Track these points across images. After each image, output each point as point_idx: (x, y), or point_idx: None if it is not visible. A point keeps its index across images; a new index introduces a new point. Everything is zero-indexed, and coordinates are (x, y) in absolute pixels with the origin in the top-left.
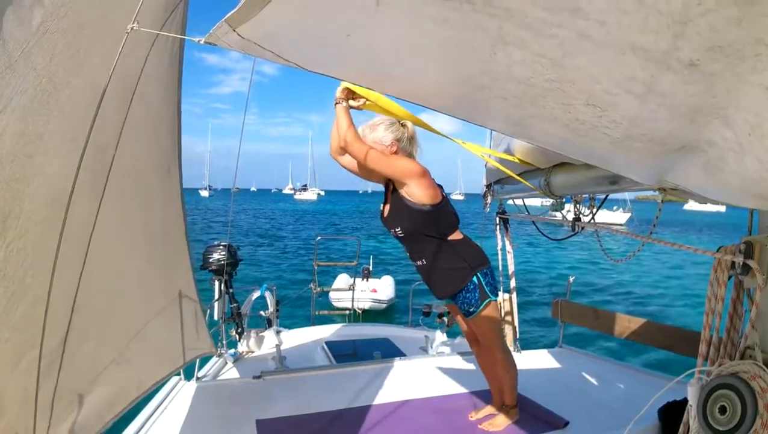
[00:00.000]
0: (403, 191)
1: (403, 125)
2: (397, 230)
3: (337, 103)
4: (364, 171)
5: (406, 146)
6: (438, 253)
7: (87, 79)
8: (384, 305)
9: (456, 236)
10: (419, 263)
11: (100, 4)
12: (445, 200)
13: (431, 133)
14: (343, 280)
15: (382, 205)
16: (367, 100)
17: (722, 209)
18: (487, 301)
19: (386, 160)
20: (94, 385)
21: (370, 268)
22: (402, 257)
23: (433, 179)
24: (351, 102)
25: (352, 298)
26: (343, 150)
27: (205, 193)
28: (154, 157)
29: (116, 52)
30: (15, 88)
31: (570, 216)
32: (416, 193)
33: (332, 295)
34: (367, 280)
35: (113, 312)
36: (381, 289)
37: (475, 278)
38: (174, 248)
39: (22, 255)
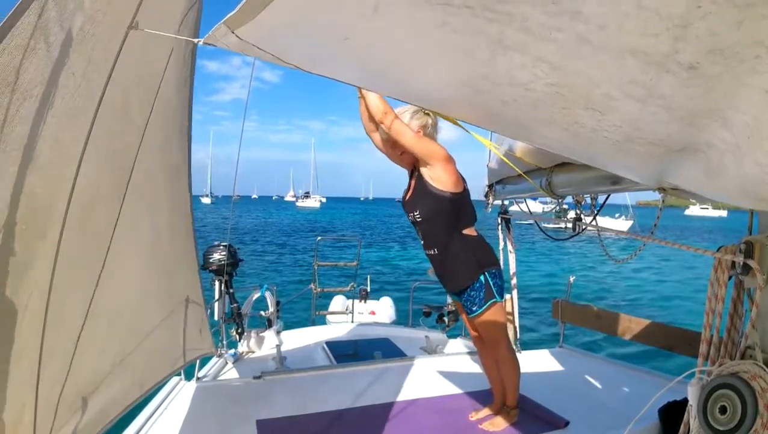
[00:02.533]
0: (428, 174)
1: (426, 114)
2: (415, 214)
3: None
4: (394, 150)
5: (431, 133)
6: (451, 245)
7: (117, 84)
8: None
9: (471, 232)
10: (431, 252)
11: (130, 8)
12: (467, 192)
13: None
14: (339, 303)
15: (404, 191)
16: None
17: (724, 213)
18: (492, 301)
19: (419, 138)
20: (99, 388)
21: (368, 289)
22: (401, 272)
23: (458, 170)
24: None
25: (352, 321)
26: (376, 127)
27: (206, 200)
28: (165, 159)
29: (141, 56)
30: (57, 94)
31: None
32: (441, 177)
33: (330, 319)
34: (365, 301)
35: (122, 317)
36: (380, 311)
37: (482, 277)
38: (182, 251)
39: (57, 261)
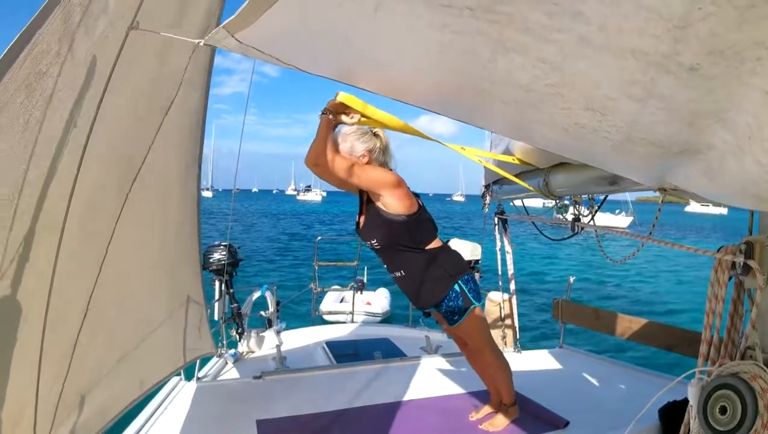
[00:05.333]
0: (378, 202)
1: (375, 135)
2: (373, 242)
3: (323, 113)
4: (340, 182)
5: (378, 156)
6: (416, 264)
7: (132, 87)
8: (378, 319)
9: (434, 244)
10: (397, 274)
11: (153, 12)
12: (422, 208)
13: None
14: (332, 299)
15: (357, 216)
16: (363, 115)
17: (724, 211)
18: (471, 307)
19: (359, 170)
20: (98, 387)
21: (365, 280)
22: None
23: (409, 188)
24: (344, 118)
25: (353, 312)
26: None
27: (208, 193)
28: (178, 159)
29: (159, 58)
30: (79, 96)
31: (570, 217)
32: (391, 203)
33: (326, 317)
34: (361, 292)
35: (123, 316)
36: (375, 302)
37: (456, 286)
38: (186, 249)
39: (56, 261)
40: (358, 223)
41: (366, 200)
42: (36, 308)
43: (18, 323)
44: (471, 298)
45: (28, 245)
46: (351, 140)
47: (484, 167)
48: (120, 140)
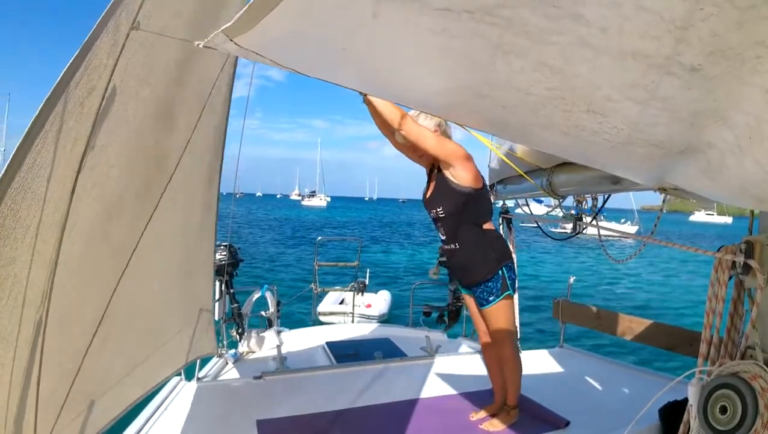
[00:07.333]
0: (449, 173)
1: None
2: (438, 210)
3: (366, 96)
4: (415, 151)
5: (446, 131)
6: (471, 239)
7: (154, 91)
8: (375, 322)
9: (489, 226)
10: (452, 246)
11: (179, 16)
12: (486, 187)
13: None
14: (330, 300)
15: (424, 189)
16: None
17: (729, 220)
18: (506, 293)
19: (440, 140)
20: (105, 392)
21: (366, 282)
22: (404, 268)
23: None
24: None
25: (349, 313)
26: (392, 131)
27: None
28: (202, 168)
29: (183, 64)
30: (106, 103)
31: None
32: (461, 175)
33: (322, 318)
34: (362, 294)
35: (139, 327)
36: (375, 304)
37: (500, 271)
38: (205, 254)
39: (70, 267)
40: (425, 194)
41: (437, 173)
42: (40, 310)
43: (22, 321)
44: (509, 285)
45: (46, 248)
46: (420, 119)
47: (489, 167)
48: (147, 143)
